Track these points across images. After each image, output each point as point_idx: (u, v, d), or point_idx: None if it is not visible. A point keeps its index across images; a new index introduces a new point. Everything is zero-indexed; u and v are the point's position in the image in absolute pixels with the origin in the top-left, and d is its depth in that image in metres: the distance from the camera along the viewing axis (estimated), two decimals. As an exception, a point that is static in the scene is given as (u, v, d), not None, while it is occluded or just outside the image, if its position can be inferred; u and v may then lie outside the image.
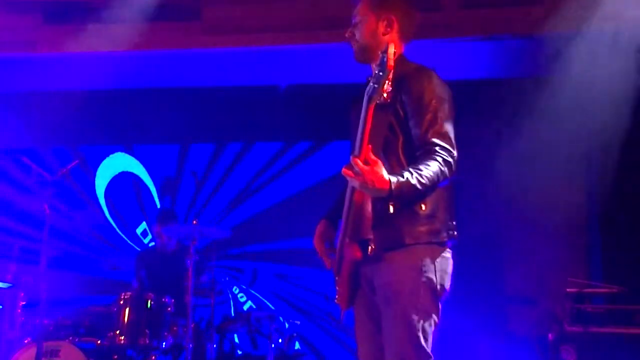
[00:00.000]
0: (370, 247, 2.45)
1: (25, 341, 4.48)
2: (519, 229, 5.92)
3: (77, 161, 4.37)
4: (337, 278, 2.68)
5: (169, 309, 4.76)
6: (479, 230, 5.03)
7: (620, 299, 4.15)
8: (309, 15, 5.24)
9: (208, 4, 5.34)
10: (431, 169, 2.35)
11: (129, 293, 4.73)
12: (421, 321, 2.44)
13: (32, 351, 4.04)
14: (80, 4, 5.40)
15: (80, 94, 6.30)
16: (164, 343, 4.66)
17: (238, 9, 5.32)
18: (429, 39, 4.76)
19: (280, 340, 5.09)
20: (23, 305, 4.55)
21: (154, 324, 4.65)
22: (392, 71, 2.22)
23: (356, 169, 2.24)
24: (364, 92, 2.74)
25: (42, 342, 4.02)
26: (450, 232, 2.52)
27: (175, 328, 4.76)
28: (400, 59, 2.60)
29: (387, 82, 2.22)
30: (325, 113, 6.02)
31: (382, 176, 2.25)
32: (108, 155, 6.68)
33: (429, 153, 2.41)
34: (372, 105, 2.29)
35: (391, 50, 2.21)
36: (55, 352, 4.36)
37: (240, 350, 5.56)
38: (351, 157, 2.30)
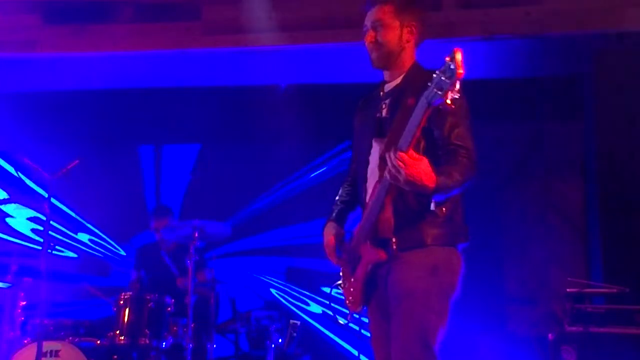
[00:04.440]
0: (392, 247, 2.48)
1: (25, 341, 4.48)
2: (519, 229, 5.92)
3: (77, 161, 4.35)
4: (351, 279, 2.68)
5: (169, 309, 4.76)
6: (479, 230, 5.02)
7: (620, 299, 4.14)
8: (309, 15, 5.23)
9: (208, 4, 5.34)
10: (462, 169, 2.41)
11: (129, 293, 4.73)
12: (431, 321, 2.46)
13: (32, 351, 4.04)
14: (80, 4, 5.40)
15: (80, 94, 6.30)
16: (164, 343, 4.66)
17: (238, 9, 5.31)
18: (428, 39, 4.76)
19: (280, 340, 5.09)
20: (23, 305, 4.55)
21: (154, 324, 4.65)
22: (460, 79, 2.14)
23: (404, 163, 2.24)
24: (373, 94, 2.75)
25: (42, 342, 4.02)
26: (465, 236, 2.57)
27: (175, 328, 4.76)
28: (416, 66, 2.67)
29: (454, 89, 2.14)
30: (326, 113, 6.02)
31: (430, 172, 2.28)
32: (107, 155, 6.66)
33: (452, 154, 2.45)
34: (429, 110, 2.21)
35: (459, 57, 2.13)
36: (55, 352, 4.35)
37: (240, 351, 5.56)
38: (391, 152, 2.28)
